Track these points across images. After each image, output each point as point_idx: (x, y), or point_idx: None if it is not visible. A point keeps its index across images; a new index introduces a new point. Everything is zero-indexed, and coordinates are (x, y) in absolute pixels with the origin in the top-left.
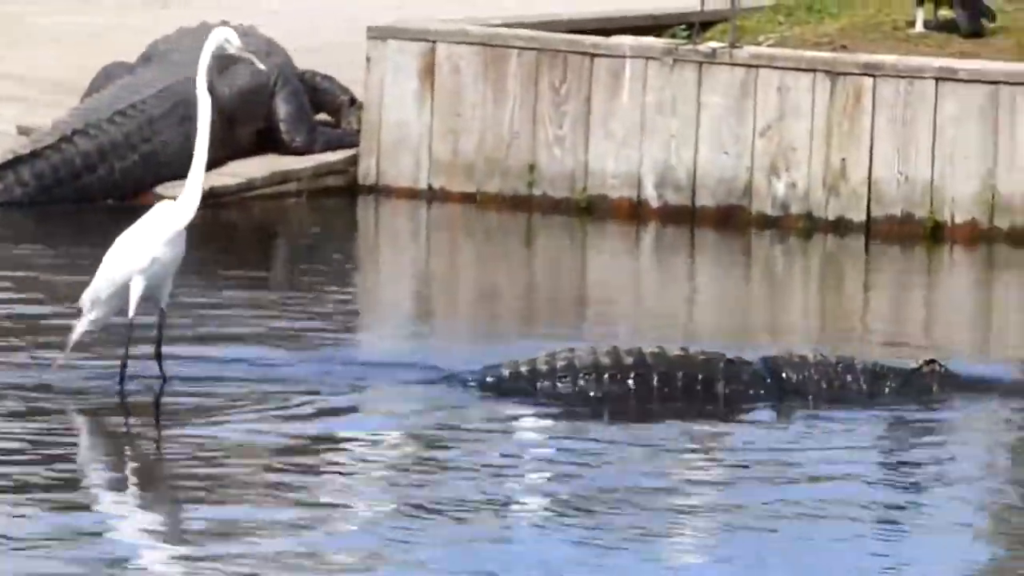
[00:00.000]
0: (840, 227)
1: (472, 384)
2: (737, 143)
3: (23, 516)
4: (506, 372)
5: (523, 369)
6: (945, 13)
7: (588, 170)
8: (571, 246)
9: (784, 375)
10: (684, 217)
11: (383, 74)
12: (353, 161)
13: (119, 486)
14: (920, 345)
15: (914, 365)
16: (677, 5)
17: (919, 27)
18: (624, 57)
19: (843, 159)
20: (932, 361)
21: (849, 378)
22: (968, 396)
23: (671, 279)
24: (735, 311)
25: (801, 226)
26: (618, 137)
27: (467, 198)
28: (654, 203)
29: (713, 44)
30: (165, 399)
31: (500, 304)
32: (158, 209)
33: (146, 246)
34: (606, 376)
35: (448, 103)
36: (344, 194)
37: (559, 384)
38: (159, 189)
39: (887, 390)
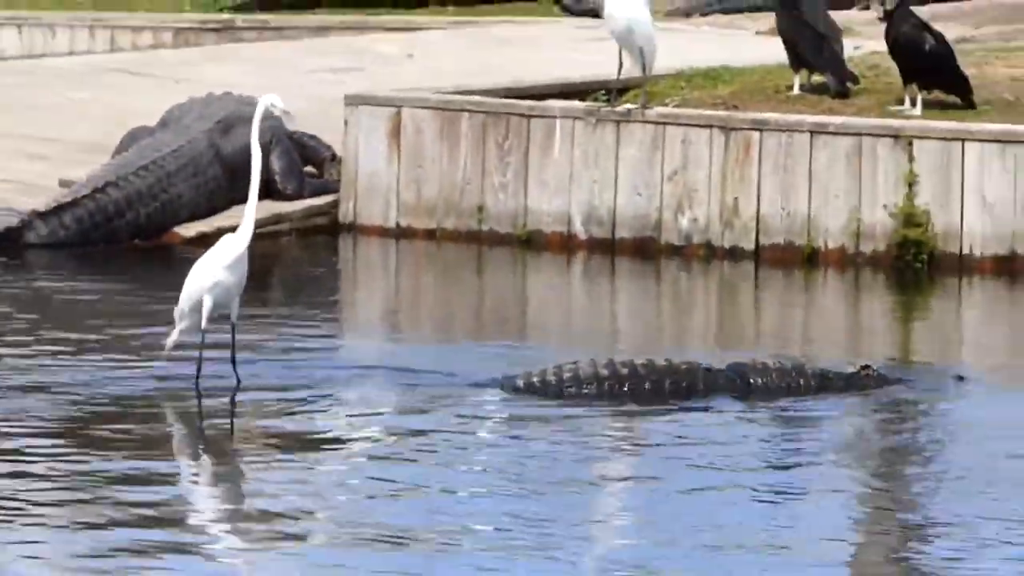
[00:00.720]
0: (734, 255)
1: (493, 389)
2: (649, 187)
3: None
4: (520, 382)
5: (535, 379)
6: (817, 78)
7: (527, 210)
8: (514, 272)
9: (751, 379)
10: (606, 248)
11: (358, 133)
12: (335, 205)
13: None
14: (803, 350)
15: (852, 369)
16: (597, 73)
17: (796, 89)
18: (555, 118)
19: (736, 199)
20: (867, 366)
21: (802, 381)
22: (894, 394)
23: (597, 298)
24: (650, 323)
25: (702, 254)
26: (551, 183)
27: (429, 234)
28: (582, 236)
29: (628, 106)
30: (239, 397)
31: (458, 318)
32: (222, 240)
33: (211, 271)
34: (605, 384)
35: (412, 157)
36: (328, 232)
37: (566, 390)
38: (177, 229)
39: (833, 390)
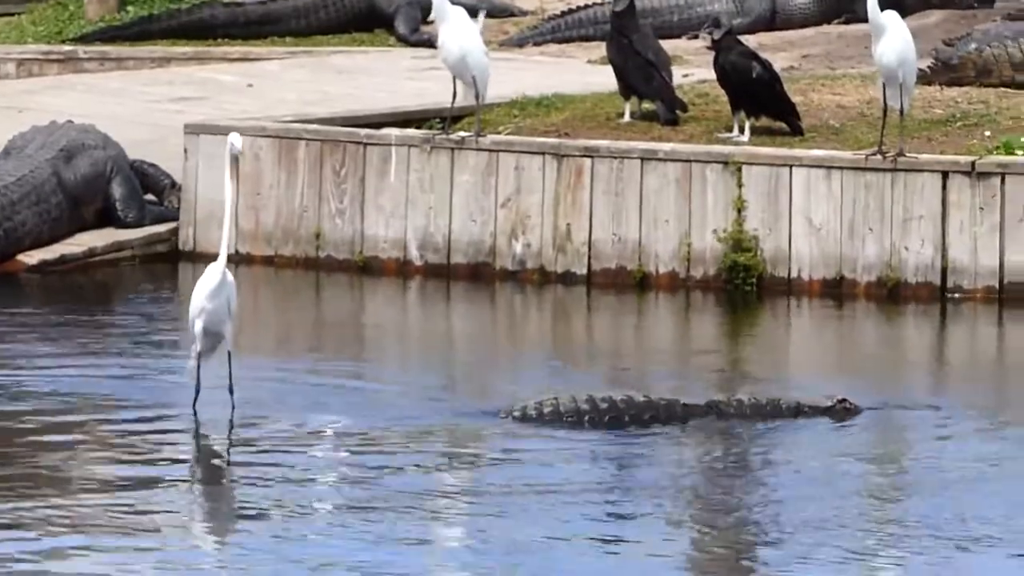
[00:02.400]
0: (567, 279)
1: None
2: (483, 213)
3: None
4: (504, 414)
5: (528, 411)
6: (647, 105)
7: (364, 236)
8: (351, 297)
9: (727, 415)
10: (442, 273)
11: (197, 161)
12: (175, 232)
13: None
14: (632, 368)
15: (828, 403)
16: (432, 102)
17: (627, 117)
18: (391, 145)
19: (568, 224)
20: (843, 400)
21: (776, 416)
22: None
23: (432, 321)
24: (483, 344)
25: (535, 279)
26: (387, 209)
27: (267, 260)
28: (417, 262)
29: (462, 133)
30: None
31: (296, 339)
32: (206, 270)
33: (196, 299)
34: (586, 418)
35: (250, 184)
36: (169, 259)
37: (555, 422)
38: (20, 257)
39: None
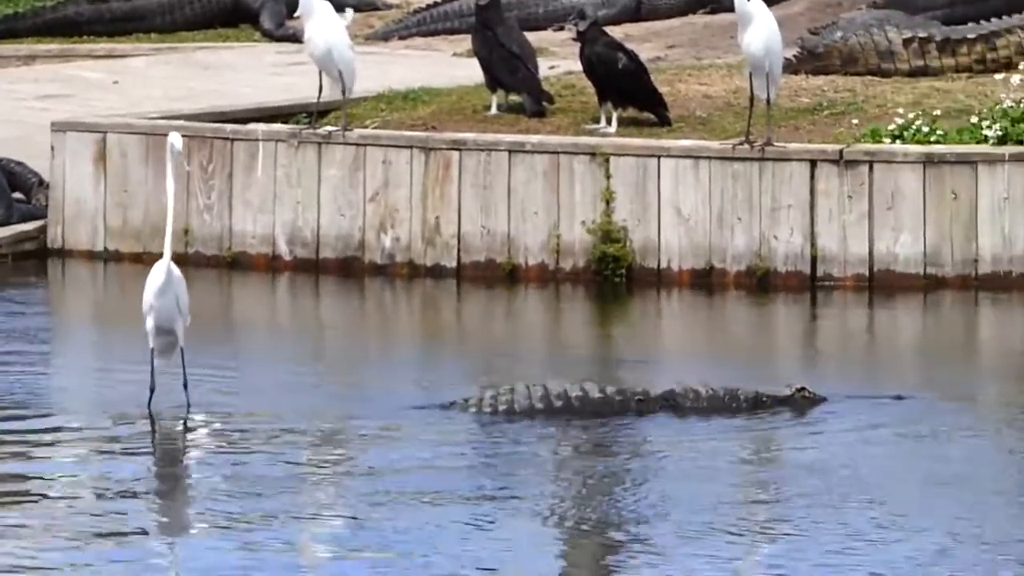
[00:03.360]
0: (436, 272)
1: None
2: (351, 207)
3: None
4: (464, 401)
5: (483, 399)
6: (514, 98)
7: (232, 232)
8: (220, 292)
9: (683, 405)
10: (311, 268)
11: (64, 159)
12: (43, 230)
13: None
14: (503, 353)
15: (788, 392)
16: (299, 96)
17: (494, 110)
18: (258, 140)
19: (437, 217)
20: (803, 388)
21: (734, 404)
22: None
23: (300, 313)
24: (352, 335)
25: (405, 273)
26: (255, 205)
27: (136, 258)
28: (286, 257)
29: (329, 128)
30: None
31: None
32: (152, 269)
33: (144, 297)
34: (540, 409)
35: (118, 181)
36: (37, 257)
37: (505, 414)
38: None
39: (766, 412)
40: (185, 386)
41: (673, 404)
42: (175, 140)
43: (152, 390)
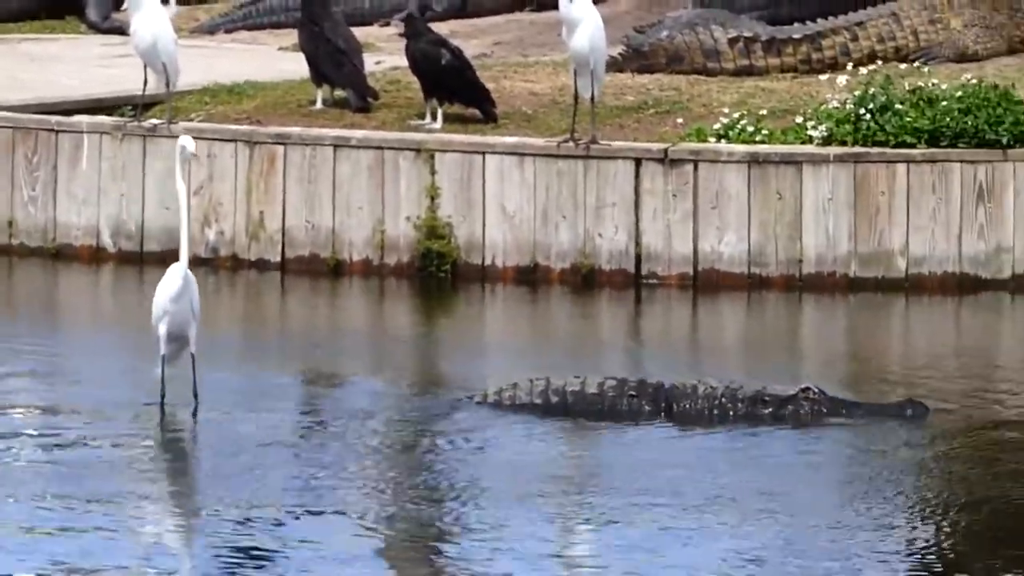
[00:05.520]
0: (260, 266)
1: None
2: (175, 200)
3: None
4: (478, 397)
5: (490, 396)
6: (339, 93)
7: (57, 223)
8: (44, 282)
9: (676, 401)
10: (135, 260)
11: None
12: None
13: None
14: (323, 352)
15: (792, 391)
16: (124, 89)
17: (319, 104)
18: (83, 132)
19: (261, 212)
20: (807, 388)
21: (731, 405)
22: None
23: (125, 300)
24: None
25: (229, 266)
26: (80, 197)
27: None
28: (111, 249)
29: (154, 121)
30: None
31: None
32: (167, 273)
33: (158, 302)
34: (543, 403)
35: None
36: None
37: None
38: None
39: (766, 413)
40: (195, 393)
41: (667, 399)
42: (187, 143)
43: (163, 397)
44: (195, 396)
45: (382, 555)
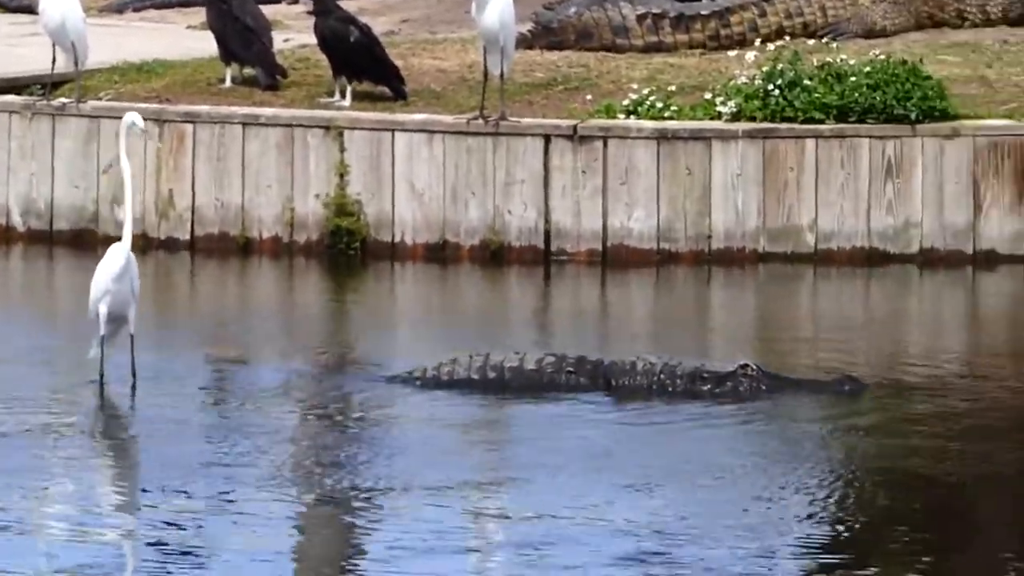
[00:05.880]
0: (170, 245)
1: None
2: (85, 179)
3: None
4: (416, 373)
5: (429, 371)
6: (248, 71)
7: None
8: None
9: (615, 378)
10: (45, 238)
11: None
12: None
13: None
14: (230, 323)
15: (731, 368)
16: (33, 68)
17: (228, 83)
18: None
19: (170, 190)
20: (746, 365)
21: (668, 380)
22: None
23: (34, 279)
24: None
25: (139, 244)
26: None
27: None
28: (20, 228)
29: (63, 100)
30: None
31: None
32: (108, 252)
33: (98, 281)
34: (480, 378)
35: None
36: None
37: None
38: None
39: (705, 390)
40: (133, 372)
41: (604, 376)
42: (136, 119)
43: (102, 377)
44: (133, 375)
45: (297, 522)
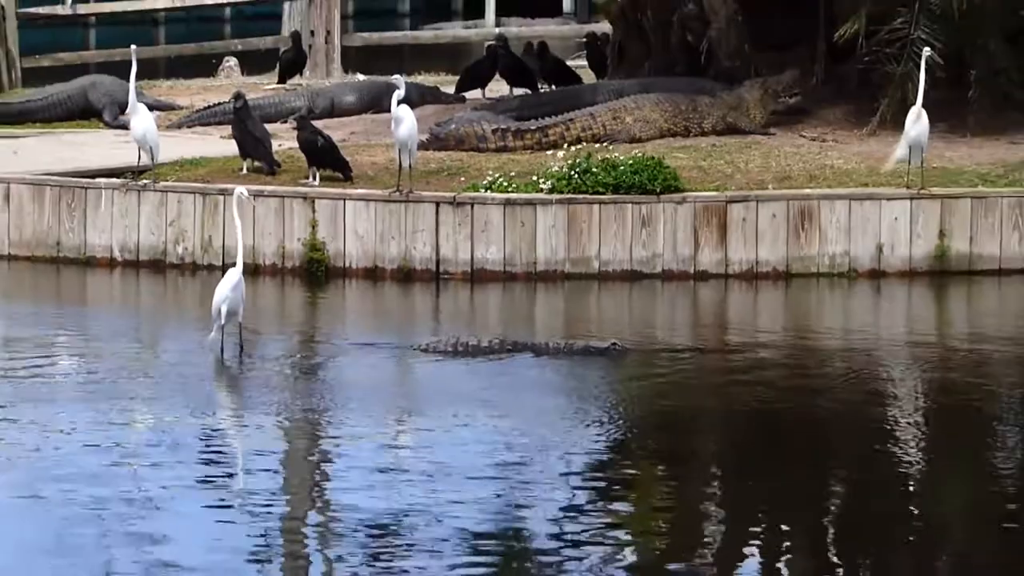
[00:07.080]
0: (210, 269)
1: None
2: (158, 230)
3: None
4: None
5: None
6: (257, 164)
7: (87, 244)
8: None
9: (530, 352)
10: (133, 265)
11: None
12: None
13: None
14: None
15: (605, 345)
16: (125, 161)
17: (245, 170)
18: (101, 188)
19: (210, 236)
20: (615, 343)
21: (561, 354)
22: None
23: (131, 291)
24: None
25: (192, 268)
26: (99, 227)
27: (27, 259)
28: (119, 259)
29: (144, 181)
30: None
31: None
32: (227, 272)
33: (221, 290)
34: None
35: (16, 213)
36: None
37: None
38: None
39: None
40: (241, 347)
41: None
42: (243, 191)
43: (222, 352)
44: (241, 348)
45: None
